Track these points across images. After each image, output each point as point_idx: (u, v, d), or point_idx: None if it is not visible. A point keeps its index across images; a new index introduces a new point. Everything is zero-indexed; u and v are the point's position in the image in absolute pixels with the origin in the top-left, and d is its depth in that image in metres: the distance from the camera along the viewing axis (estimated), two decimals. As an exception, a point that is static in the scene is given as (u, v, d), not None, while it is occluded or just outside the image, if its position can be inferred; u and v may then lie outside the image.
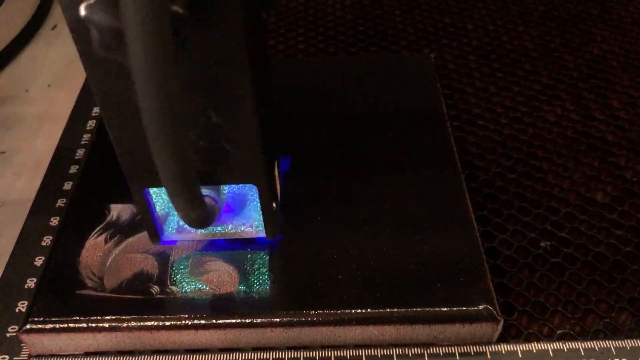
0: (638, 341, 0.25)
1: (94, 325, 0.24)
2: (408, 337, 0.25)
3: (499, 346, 0.25)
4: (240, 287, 0.25)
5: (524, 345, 0.25)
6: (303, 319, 0.24)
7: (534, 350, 0.25)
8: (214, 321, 0.24)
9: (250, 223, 0.26)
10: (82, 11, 0.17)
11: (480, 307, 0.24)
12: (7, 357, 0.25)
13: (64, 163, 0.34)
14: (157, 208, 0.25)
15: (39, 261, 0.29)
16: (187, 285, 0.25)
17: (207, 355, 0.25)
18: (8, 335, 0.26)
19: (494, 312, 0.24)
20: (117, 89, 0.20)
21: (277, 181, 0.27)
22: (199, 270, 0.26)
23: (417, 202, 0.28)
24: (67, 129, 0.37)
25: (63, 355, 0.25)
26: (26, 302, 0.27)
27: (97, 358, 0.25)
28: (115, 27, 0.16)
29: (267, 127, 0.24)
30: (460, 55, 0.42)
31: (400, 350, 0.25)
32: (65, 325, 0.24)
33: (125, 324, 0.24)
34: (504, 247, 0.29)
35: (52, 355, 0.25)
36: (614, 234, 0.30)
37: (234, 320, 0.24)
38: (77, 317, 0.24)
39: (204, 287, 0.25)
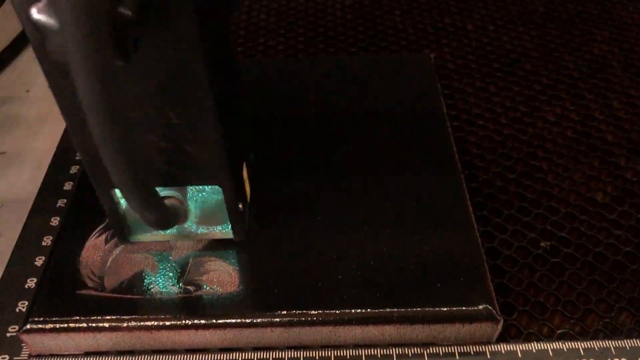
0: (638, 341, 0.25)
1: (94, 325, 0.24)
2: (408, 337, 0.25)
3: (498, 346, 0.25)
4: (240, 287, 0.25)
5: (523, 345, 0.25)
6: (303, 319, 0.24)
7: (534, 350, 0.25)
8: (214, 321, 0.24)
9: (219, 224, 0.26)
10: (34, 14, 0.16)
11: (480, 307, 0.24)
12: (7, 357, 0.25)
13: (64, 163, 0.34)
14: (125, 209, 0.25)
15: (39, 261, 0.29)
16: (187, 285, 0.25)
17: (207, 355, 0.25)
18: (8, 335, 0.26)
19: (494, 312, 0.24)
20: (72, 93, 0.20)
21: (247, 181, 0.27)
22: (199, 270, 0.26)
23: (417, 202, 0.28)
24: (67, 130, 0.37)
25: (63, 355, 0.25)
26: (26, 302, 0.27)
27: (97, 358, 0.25)
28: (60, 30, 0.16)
29: (231, 127, 0.24)
30: (460, 55, 0.42)
31: (400, 349, 0.25)
32: (66, 325, 0.24)
33: (125, 324, 0.24)
34: (504, 247, 0.29)
35: (52, 355, 0.25)
36: (614, 234, 0.30)
37: (234, 320, 0.24)
38: (77, 317, 0.24)
39: (204, 287, 0.25)
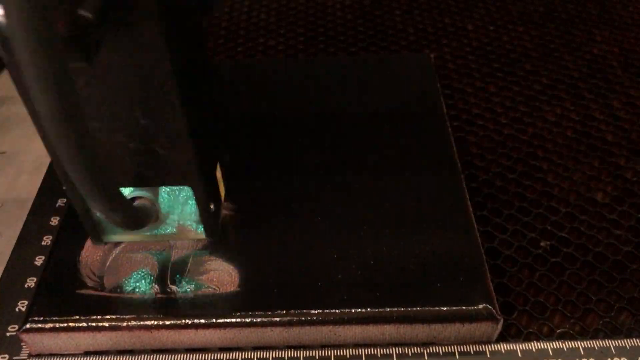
0: (638, 341, 0.25)
1: (94, 324, 0.24)
2: (408, 337, 0.25)
3: (498, 345, 0.25)
4: (240, 287, 0.25)
5: (523, 344, 0.25)
6: (303, 319, 0.24)
7: (534, 350, 0.25)
8: (214, 320, 0.24)
9: (192, 224, 0.26)
10: None
11: (480, 306, 0.24)
12: (7, 356, 0.25)
13: (64, 163, 0.34)
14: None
15: (39, 261, 0.29)
16: (187, 284, 0.25)
17: (207, 355, 0.25)
18: (8, 334, 0.26)
19: (494, 311, 0.24)
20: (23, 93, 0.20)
21: (221, 182, 0.27)
22: (199, 269, 0.26)
23: (417, 203, 0.28)
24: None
25: (63, 355, 0.25)
26: (26, 302, 0.27)
27: (97, 357, 0.25)
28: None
29: (201, 128, 0.24)
30: (460, 55, 0.42)
31: (400, 349, 0.25)
32: (65, 325, 0.24)
33: (125, 324, 0.24)
34: (504, 247, 0.29)
35: (52, 355, 0.25)
36: (614, 234, 0.30)
37: (234, 320, 0.24)
38: (77, 317, 0.24)
39: (204, 286, 0.25)
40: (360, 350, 0.25)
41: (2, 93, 0.41)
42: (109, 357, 0.25)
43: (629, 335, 0.26)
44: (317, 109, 0.34)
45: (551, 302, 0.27)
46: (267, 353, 0.25)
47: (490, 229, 0.30)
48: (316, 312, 0.24)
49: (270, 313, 0.24)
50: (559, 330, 0.26)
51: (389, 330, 0.25)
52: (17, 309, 0.27)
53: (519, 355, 0.25)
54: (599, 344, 0.25)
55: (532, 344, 0.25)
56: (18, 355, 0.26)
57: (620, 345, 0.25)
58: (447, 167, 0.30)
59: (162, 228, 0.26)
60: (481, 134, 0.36)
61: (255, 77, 0.37)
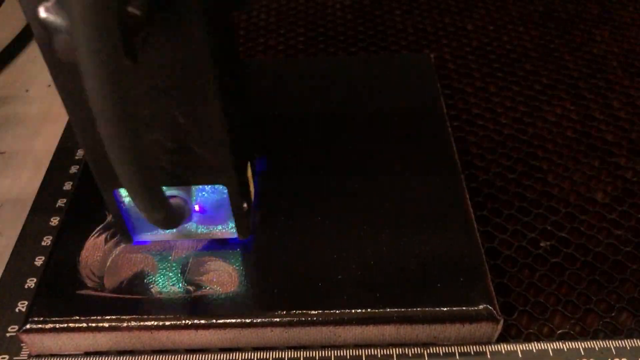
0: (638, 341, 0.25)
1: (94, 325, 0.24)
2: (408, 337, 0.25)
3: (498, 346, 0.25)
4: (240, 287, 0.25)
5: (524, 345, 0.25)
6: (303, 319, 0.24)
7: (534, 350, 0.25)
8: (214, 321, 0.24)
9: (223, 223, 0.26)
10: (42, 13, 0.16)
11: (480, 307, 0.24)
12: (7, 356, 0.25)
13: (64, 163, 0.34)
14: (129, 208, 0.25)
15: (39, 261, 0.29)
16: (187, 285, 0.25)
17: (207, 355, 0.25)
18: (8, 335, 0.26)
19: (494, 311, 0.24)
20: (80, 92, 0.20)
21: (251, 181, 0.27)
22: (199, 270, 0.26)
23: (417, 202, 0.28)
24: (67, 129, 0.37)
25: (63, 355, 0.25)
26: (26, 302, 0.27)
27: (97, 358, 0.25)
28: (70, 30, 0.16)
29: (237, 128, 0.24)
30: (460, 55, 0.42)
31: (400, 350, 0.25)
32: (65, 325, 0.24)
33: (125, 324, 0.24)
34: (504, 247, 0.29)
35: (52, 355, 0.25)
36: (614, 234, 0.30)
37: (234, 320, 0.24)
38: (77, 317, 0.24)
39: (204, 287, 0.25)
40: (360, 351, 0.25)
41: (2, 93, 0.41)
42: (109, 358, 0.25)
43: (629, 336, 0.26)
44: (317, 109, 0.34)
45: (551, 302, 0.27)
46: (267, 353, 0.25)
47: (490, 229, 0.30)
48: (316, 312, 0.24)
49: (270, 313, 0.24)
50: (559, 331, 0.26)
51: (389, 331, 0.25)
52: (17, 309, 0.27)
53: (520, 355, 0.25)
54: (600, 345, 0.25)
55: (533, 344, 0.25)
56: (18, 355, 0.26)
57: (621, 345, 0.25)
58: (447, 167, 0.30)
59: (189, 227, 0.26)
60: (481, 134, 0.36)
61: (255, 77, 0.37)
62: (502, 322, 0.24)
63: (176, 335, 0.25)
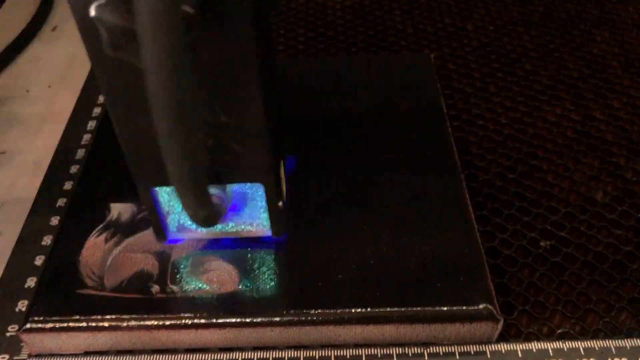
0: (638, 341, 0.25)
1: (94, 324, 0.24)
2: (408, 337, 0.25)
3: (498, 345, 0.25)
4: (240, 287, 0.25)
5: (523, 344, 0.25)
6: (303, 319, 0.24)
7: (534, 350, 0.25)
8: (214, 320, 0.24)
9: (255, 222, 0.26)
10: (93, 11, 0.17)
11: (480, 306, 0.24)
12: (7, 356, 0.25)
13: (64, 163, 0.34)
14: (165, 206, 0.25)
15: (39, 261, 0.29)
16: (187, 284, 0.25)
17: (207, 355, 0.25)
18: (8, 334, 0.26)
19: (494, 311, 0.24)
20: (125, 89, 0.20)
21: (283, 180, 0.27)
22: (200, 269, 0.26)
23: (417, 202, 0.28)
24: (68, 129, 0.37)
25: (63, 355, 0.25)
26: (26, 302, 0.27)
27: (97, 358, 0.25)
28: (124, 27, 0.16)
29: (274, 126, 0.24)
30: (460, 55, 0.42)
31: (400, 349, 0.25)
32: (65, 325, 0.24)
33: (125, 324, 0.24)
34: (504, 247, 0.29)
35: (52, 355, 0.25)
36: (614, 234, 0.30)
37: (234, 320, 0.24)
38: (77, 317, 0.24)
39: (204, 286, 0.25)
40: (360, 351, 0.25)
41: (2, 93, 0.41)
42: (109, 358, 0.25)
43: (629, 336, 0.26)
44: (316, 109, 0.34)
45: (551, 302, 0.27)
46: (267, 353, 0.25)
47: (490, 229, 0.30)
48: (316, 312, 0.24)
49: (270, 313, 0.24)
50: (559, 331, 0.26)
51: (389, 331, 0.25)
52: (17, 309, 0.27)
53: (519, 355, 0.25)
54: (600, 344, 0.25)
55: (532, 344, 0.25)
56: (18, 355, 0.26)
57: (621, 345, 0.25)
58: (447, 167, 0.30)
59: (225, 225, 0.26)
60: (481, 134, 0.36)
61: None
62: (502, 321, 0.24)
63: (176, 335, 0.25)
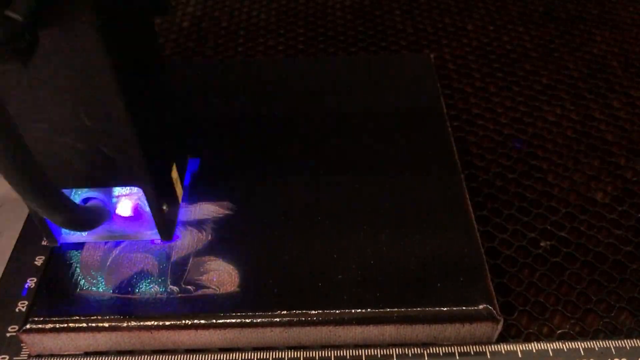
0: (638, 341, 0.25)
1: (94, 325, 0.24)
2: (408, 337, 0.25)
3: (498, 346, 0.25)
4: (240, 287, 0.25)
5: (523, 345, 0.25)
6: (303, 319, 0.24)
7: (534, 350, 0.25)
8: (214, 321, 0.24)
9: (148, 224, 0.26)
10: None
11: (480, 306, 0.24)
12: (7, 357, 0.25)
13: (64, 163, 0.34)
14: None
15: (39, 261, 0.29)
16: (187, 285, 0.25)
17: (207, 355, 0.25)
18: (8, 335, 0.26)
19: (494, 311, 0.24)
20: None
21: (178, 182, 0.27)
22: (199, 270, 0.26)
23: (417, 202, 0.28)
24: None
25: (63, 355, 0.25)
26: (26, 302, 0.27)
27: (97, 358, 0.25)
28: None
29: (150, 129, 0.23)
30: (460, 55, 0.42)
31: (400, 350, 0.25)
32: (65, 325, 0.24)
33: (125, 324, 0.24)
34: (504, 247, 0.29)
35: (52, 355, 0.25)
36: (614, 234, 0.30)
37: (234, 320, 0.24)
38: (77, 317, 0.24)
39: (204, 286, 0.25)
40: (360, 351, 0.25)
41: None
42: (109, 358, 0.25)
43: (629, 336, 0.26)
44: (317, 109, 0.34)
45: (551, 302, 0.27)
46: (267, 354, 0.25)
47: (490, 229, 0.30)
48: (316, 312, 0.24)
49: (270, 313, 0.24)
50: (559, 331, 0.26)
51: (389, 331, 0.25)
52: (17, 309, 0.27)
53: (519, 355, 0.25)
54: (599, 345, 0.25)
55: (532, 344, 0.25)
56: (18, 355, 0.26)
57: (621, 345, 0.25)
58: (447, 167, 0.30)
59: (117, 227, 0.26)
60: (481, 134, 0.36)
61: (255, 77, 0.37)
62: (502, 322, 0.24)
63: (176, 335, 0.25)
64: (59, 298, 0.25)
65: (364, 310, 0.24)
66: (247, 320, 0.24)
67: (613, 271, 0.28)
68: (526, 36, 0.43)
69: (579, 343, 0.25)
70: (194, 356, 0.25)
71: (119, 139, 0.22)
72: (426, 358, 0.25)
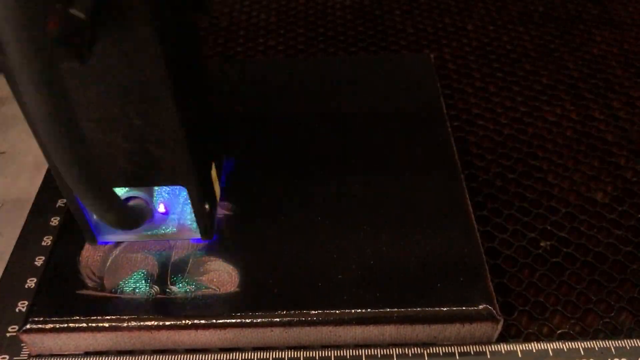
0: (638, 341, 0.25)
1: (94, 325, 0.24)
2: (408, 337, 0.25)
3: (498, 346, 0.25)
4: (240, 287, 0.25)
5: (523, 345, 0.25)
6: (303, 319, 0.24)
7: (534, 350, 0.25)
8: (214, 321, 0.24)
9: (185, 224, 0.26)
10: None
11: (480, 306, 0.24)
12: (7, 357, 0.25)
13: (64, 163, 0.34)
14: None
15: (39, 261, 0.29)
16: (187, 285, 0.25)
17: (207, 355, 0.25)
18: (8, 335, 0.26)
19: (494, 311, 0.24)
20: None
21: (216, 182, 0.27)
22: (199, 270, 0.26)
23: (417, 202, 0.28)
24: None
25: (63, 355, 0.25)
26: (26, 302, 0.27)
27: (97, 358, 0.25)
28: None
29: (195, 128, 0.24)
30: (460, 55, 0.42)
31: (400, 349, 0.25)
32: (65, 325, 0.24)
33: (125, 324, 0.24)
34: (504, 247, 0.29)
35: (52, 355, 0.25)
36: (614, 234, 0.30)
37: (234, 320, 0.24)
38: (77, 317, 0.24)
39: (204, 286, 0.25)
40: (360, 351, 0.25)
41: (2, 93, 0.41)
42: (109, 358, 0.25)
43: (629, 336, 0.26)
44: (317, 109, 0.34)
45: (551, 302, 0.27)
46: (267, 353, 0.25)
47: (490, 229, 0.30)
48: (316, 312, 0.24)
49: (270, 313, 0.24)
50: (559, 331, 0.26)
51: (389, 331, 0.25)
52: (17, 309, 0.27)
53: (519, 355, 0.25)
54: (599, 345, 0.25)
55: (532, 344, 0.25)
56: (18, 355, 0.26)
57: (620, 345, 0.25)
58: (447, 167, 0.30)
59: (161, 227, 0.26)
60: (481, 134, 0.36)
61: (255, 77, 0.37)
62: (502, 322, 0.24)
63: (176, 335, 0.25)
64: (59, 298, 0.25)
65: (364, 310, 0.24)
66: (247, 320, 0.24)
67: (613, 271, 0.28)
68: (526, 36, 0.43)
69: (579, 343, 0.25)
70: (194, 356, 0.25)
71: (166, 138, 0.22)
72: (426, 358, 0.25)
